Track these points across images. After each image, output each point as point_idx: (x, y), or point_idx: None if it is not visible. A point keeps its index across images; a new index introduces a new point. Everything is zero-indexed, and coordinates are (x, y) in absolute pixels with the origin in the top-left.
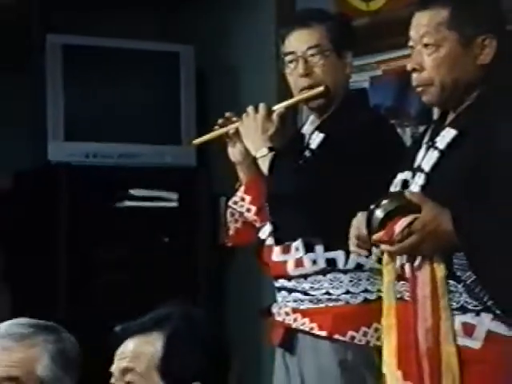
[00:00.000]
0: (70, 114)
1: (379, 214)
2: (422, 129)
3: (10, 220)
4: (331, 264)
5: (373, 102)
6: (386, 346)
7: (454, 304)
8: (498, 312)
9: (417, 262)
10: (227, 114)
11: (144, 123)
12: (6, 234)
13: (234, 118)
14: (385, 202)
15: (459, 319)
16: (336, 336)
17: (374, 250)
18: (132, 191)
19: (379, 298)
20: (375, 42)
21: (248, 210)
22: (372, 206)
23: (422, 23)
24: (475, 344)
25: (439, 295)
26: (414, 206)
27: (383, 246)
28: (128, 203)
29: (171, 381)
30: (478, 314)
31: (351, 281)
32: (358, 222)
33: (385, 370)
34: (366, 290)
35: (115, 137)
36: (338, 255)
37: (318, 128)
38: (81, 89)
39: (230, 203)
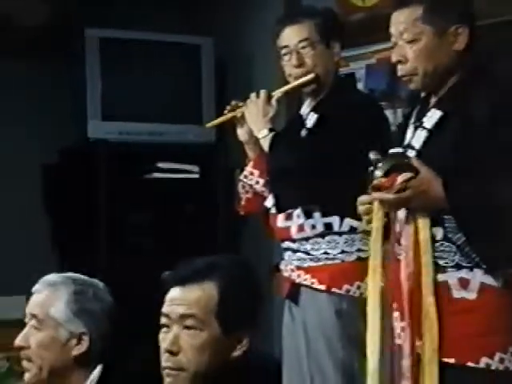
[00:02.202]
0: (107, 98)
1: (378, 173)
2: None
3: (56, 190)
4: (328, 228)
5: (368, 87)
6: (371, 285)
7: (450, 262)
8: (484, 267)
9: (404, 215)
10: (233, 103)
11: (170, 105)
12: (53, 203)
13: (241, 104)
14: (383, 162)
15: (455, 275)
16: (333, 289)
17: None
18: (159, 164)
19: None
20: (370, 35)
21: (256, 183)
22: (371, 169)
23: (400, 21)
24: (470, 295)
25: (421, 250)
26: (410, 167)
27: (380, 194)
28: (156, 175)
29: (228, 325)
30: (471, 269)
31: (346, 242)
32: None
33: (368, 308)
34: (359, 250)
35: (145, 117)
36: (334, 220)
37: (313, 109)
38: (115, 75)
39: (241, 177)
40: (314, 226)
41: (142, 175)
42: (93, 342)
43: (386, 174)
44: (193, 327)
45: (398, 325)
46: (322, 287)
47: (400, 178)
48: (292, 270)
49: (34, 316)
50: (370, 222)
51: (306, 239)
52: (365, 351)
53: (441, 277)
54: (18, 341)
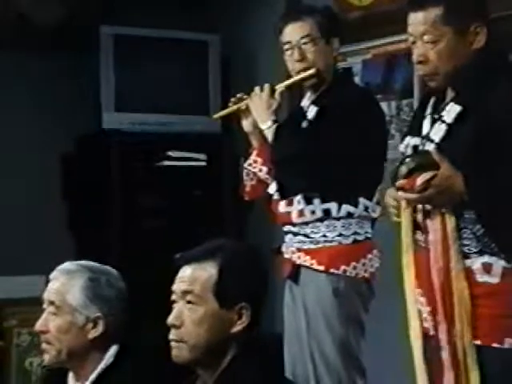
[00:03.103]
0: (120, 90)
1: (404, 169)
2: (404, 102)
3: (73, 177)
4: (327, 213)
5: (364, 80)
6: (407, 279)
7: (473, 249)
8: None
9: (430, 213)
10: (238, 95)
11: (179, 98)
12: (70, 189)
13: (245, 96)
14: (409, 159)
15: (479, 260)
16: (331, 270)
17: (361, 200)
18: (169, 153)
19: (366, 239)
20: (366, 32)
21: (260, 170)
22: (397, 164)
23: (419, 22)
24: (493, 279)
25: (449, 241)
26: (433, 164)
27: (404, 194)
28: (166, 163)
29: (223, 301)
30: (493, 255)
31: (343, 226)
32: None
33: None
34: (355, 233)
35: (156, 108)
36: (332, 206)
37: (314, 102)
38: (128, 70)
39: (246, 165)
40: (313, 212)
41: (153, 163)
42: (107, 325)
43: (410, 172)
44: (192, 302)
45: (424, 309)
46: (321, 268)
47: (419, 180)
48: (293, 252)
49: (51, 303)
50: (397, 216)
51: (306, 223)
52: (362, 328)
53: (465, 262)
54: (39, 326)
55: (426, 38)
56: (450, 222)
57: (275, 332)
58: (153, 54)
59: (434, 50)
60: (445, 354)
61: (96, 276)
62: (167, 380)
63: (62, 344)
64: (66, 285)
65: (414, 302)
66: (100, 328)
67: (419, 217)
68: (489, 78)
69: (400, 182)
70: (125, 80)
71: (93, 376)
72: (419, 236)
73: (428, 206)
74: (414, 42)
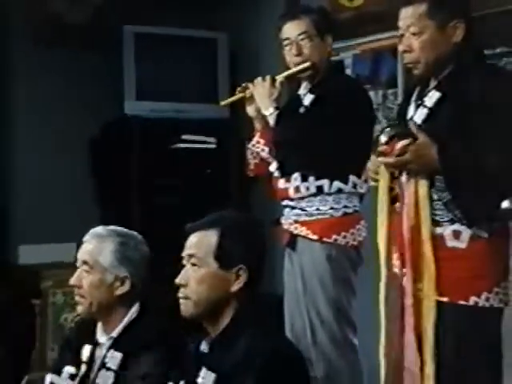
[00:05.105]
0: (140, 81)
1: (383, 137)
2: (389, 91)
3: (99, 158)
4: (320, 189)
5: (355, 72)
6: (380, 236)
7: (445, 218)
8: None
9: (405, 177)
10: (243, 84)
11: (191, 88)
12: (96, 169)
13: (250, 85)
14: (388, 129)
15: (449, 228)
16: (324, 239)
17: (350, 177)
18: (183, 136)
19: (355, 212)
20: (356, 30)
21: (262, 150)
22: (381, 130)
23: (407, 16)
24: (461, 245)
25: (420, 206)
26: (410, 134)
27: (383, 159)
28: (180, 145)
29: (222, 263)
30: (463, 224)
31: (334, 200)
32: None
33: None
34: (345, 206)
35: (171, 97)
36: (325, 183)
37: (310, 91)
38: (147, 64)
39: (250, 145)
40: (308, 188)
41: (168, 145)
42: (133, 284)
43: (389, 140)
44: (196, 264)
45: (399, 272)
46: (315, 237)
47: (399, 145)
48: (290, 224)
49: (85, 262)
50: (376, 180)
51: (302, 198)
52: (352, 288)
53: (437, 229)
54: (73, 281)
55: (411, 29)
56: (423, 189)
57: (276, 293)
58: (169, 50)
59: (418, 40)
60: (408, 301)
61: (125, 240)
62: (180, 334)
63: (93, 298)
64: (98, 247)
65: (386, 256)
66: (126, 286)
67: (397, 187)
68: (465, 69)
69: (381, 148)
70: (144, 72)
71: (119, 328)
72: (397, 205)
73: (404, 179)
74: (402, 35)
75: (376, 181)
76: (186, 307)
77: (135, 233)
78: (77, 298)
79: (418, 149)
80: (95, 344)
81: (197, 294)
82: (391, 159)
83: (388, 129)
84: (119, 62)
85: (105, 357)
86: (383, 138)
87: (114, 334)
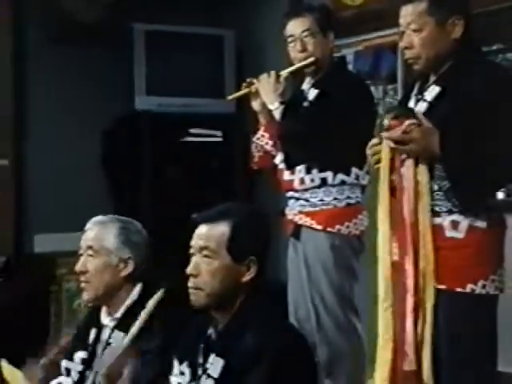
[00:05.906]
0: (150, 78)
1: (386, 121)
2: (389, 86)
3: (112, 150)
4: (323, 181)
5: (356, 68)
6: (380, 214)
7: (444, 208)
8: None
9: (406, 162)
10: (249, 80)
11: (199, 83)
12: (108, 161)
13: (255, 81)
14: (391, 112)
15: (448, 218)
16: (328, 229)
17: (353, 170)
18: (191, 130)
19: (357, 203)
20: (358, 27)
21: (266, 143)
22: (384, 114)
23: (408, 13)
24: (459, 235)
25: (420, 192)
26: (414, 116)
27: (389, 134)
28: (188, 138)
29: (235, 255)
30: (461, 214)
31: (337, 191)
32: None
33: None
34: (348, 197)
35: (180, 92)
36: (328, 175)
37: (313, 86)
38: (157, 60)
39: (254, 139)
40: (312, 180)
41: (177, 138)
42: (136, 264)
43: (395, 118)
44: (208, 256)
45: (395, 244)
46: (319, 227)
47: (407, 122)
48: (295, 214)
49: (89, 247)
50: (377, 161)
51: (306, 190)
52: (354, 275)
53: (436, 220)
54: (79, 267)
55: (411, 26)
56: (422, 174)
57: (280, 281)
58: (177, 47)
59: (418, 37)
60: (410, 281)
61: (125, 225)
62: (180, 315)
63: (99, 281)
64: (101, 232)
65: (387, 235)
66: (130, 267)
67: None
68: (463, 64)
69: (389, 123)
70: (154, 69)
71: (122, 308)
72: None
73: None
74: (403, 32)
75: (376, 162)
76: (197, 297)
77: (134, 220)
78: (82, 285)
79: (424, 131)
80: (100, 327)
81: (210, 286)
82: (397, 134)
83: (391, 112)
84: (130, 60)
85: (109, 337)
86: (386, 121)
87: (118, 314)
